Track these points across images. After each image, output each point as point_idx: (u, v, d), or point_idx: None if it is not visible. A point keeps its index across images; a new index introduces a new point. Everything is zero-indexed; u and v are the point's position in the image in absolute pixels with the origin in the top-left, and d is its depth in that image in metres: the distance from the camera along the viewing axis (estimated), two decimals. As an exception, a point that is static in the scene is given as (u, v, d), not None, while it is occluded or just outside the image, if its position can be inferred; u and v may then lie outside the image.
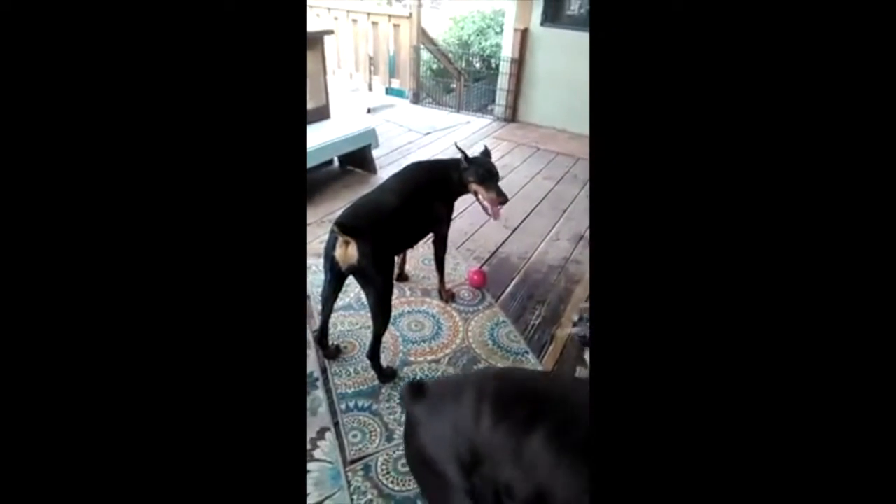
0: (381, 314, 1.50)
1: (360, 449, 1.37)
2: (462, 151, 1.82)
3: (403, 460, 1.35)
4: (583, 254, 2.44)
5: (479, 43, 7.68)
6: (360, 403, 1.51)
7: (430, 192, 1.77)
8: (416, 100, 4.89)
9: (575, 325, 1.67)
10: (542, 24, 4.13)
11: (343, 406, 1.50)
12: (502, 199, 1.81)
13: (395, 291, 2.00)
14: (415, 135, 3.98)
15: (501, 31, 4.53)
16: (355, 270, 1.44)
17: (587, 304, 1.72)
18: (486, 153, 1.90)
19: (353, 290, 1.87)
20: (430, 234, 1.90)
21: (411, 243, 1.83)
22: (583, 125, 4.18)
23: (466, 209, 2.79)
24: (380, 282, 1.47)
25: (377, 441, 1.40)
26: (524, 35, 4.20)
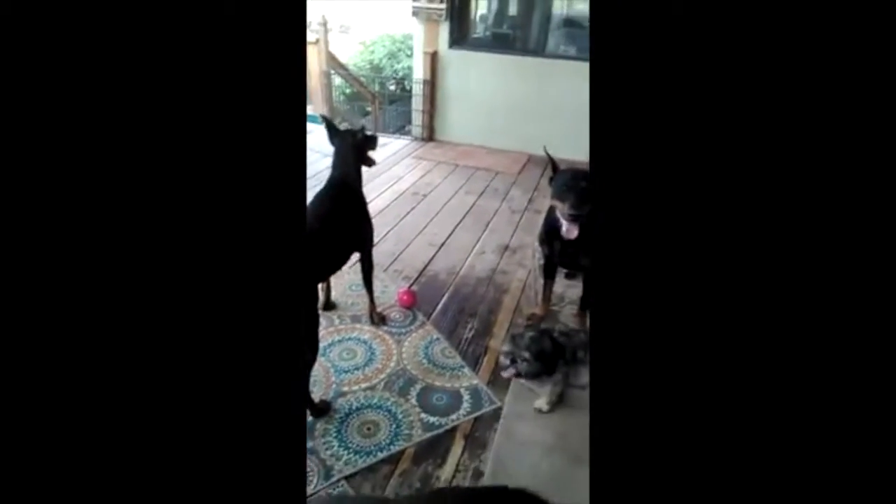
0: (307, 348, 1.44)
1: (296, 492, 1.29)
2: (327, 119, 1.84)
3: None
4: (508, 264, 2.52)
5: (392, 66, 7.80)
6: (293, 444, 1.43)
7: (350, 208, 1.75)
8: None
9: (509, 357, 1.50)
10: (450, 46, 4.28)
11: (275, 449, 1.41)
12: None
13: (323, 321, 1.94)
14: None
15: (412, 53, 4.63)
16: None
17: (521, 330, 1.64)
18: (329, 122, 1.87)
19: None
20: (355, 257, 1.86)
21: (336, 268, 1.78)
22: (499, 140, 4.36)
23: (391, 231, 2.79)
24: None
25: (315, 481, 1.32)
26: (434, 57, 4.32)
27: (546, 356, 1.44)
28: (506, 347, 1.52)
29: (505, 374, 1.53)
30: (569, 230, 1.64)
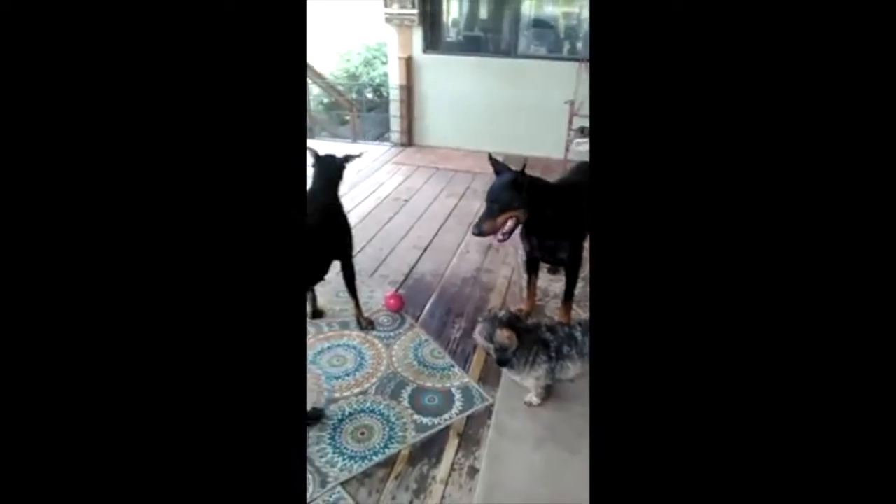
0: None
1: (293, 501, 1.29)
2: (315, 153, 1.88)
3: (342, 502, 1.29)
4: (493, 262, 2.55)
5: (368, 73, 7.79)
6: (287, 453, 1.43)
7: (328, 218, 1.77)
8: (311, 134, 4.83)
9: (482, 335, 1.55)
10: (424, 51, 4.31)
11: (269, 460, 1.41)
12: None
13: (312, 329, 1.94)
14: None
15: (387, 60, 4.65)
16: None
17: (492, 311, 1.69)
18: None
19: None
20: (336, 265, 1.87)
21: (318, 277, 1.79)
22: (476, 142, 4.40)
23: (376, 236, 2.80)
24: None
25: (311, 489, 1.33)
26: (409, 63, 4.35)
27: (503, 349, 1.48)
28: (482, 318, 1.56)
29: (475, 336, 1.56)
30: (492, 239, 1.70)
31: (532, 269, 2.02)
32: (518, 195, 1.65)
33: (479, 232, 1.67)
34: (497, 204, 1.65)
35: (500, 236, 1.68)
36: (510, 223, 1.66)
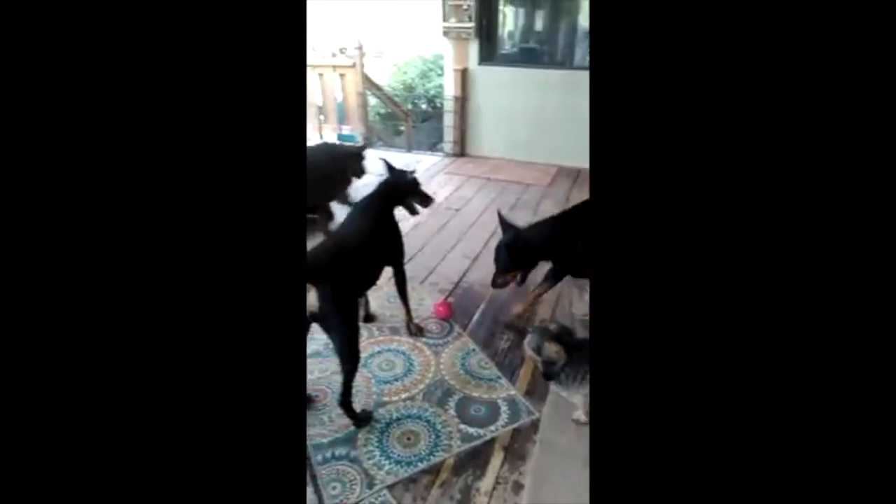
0: (350, 359, 1.49)
1: (340, 501, 1.33)
2: (389, 164, 1.95)
3: (387, 505, 1.32)
4: (541, 274, 2.51)
5: (423, 85, 7.96)
6: (337, 452, 1.47)
7: (381, 225, 1.82)
8: (368, 143, 4.99)
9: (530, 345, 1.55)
10: (479, 63, 4.36)
11: (319, 457, 1.46)
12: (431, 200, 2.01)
13: (364, 332, 2.00)
14: (369, 177, 4.04)
15: (443, 72, 4.75)
16: (316, 318, 1.43)
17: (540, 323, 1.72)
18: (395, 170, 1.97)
19: (322, 334, 1.85)
20: (387, 271, 1.92)
21: (371, 282, 1.84)
22: (528, 153, 4.38)
23: (428, 244, 2.84)
24: (344, 327, 1.47)
25: (358, 490, 1.36)
26: (464, 74, 4.41)
27: (550, 363, 1.45)
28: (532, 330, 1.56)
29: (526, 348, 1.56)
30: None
31: (551, 275, 2.05)
32: (514, 259, 1.87)
33: (496, 286, 1.94)
34: (500, 266, 1.91)
35: (516, 284, 1.96)
36: (519, 276, 1.94)
